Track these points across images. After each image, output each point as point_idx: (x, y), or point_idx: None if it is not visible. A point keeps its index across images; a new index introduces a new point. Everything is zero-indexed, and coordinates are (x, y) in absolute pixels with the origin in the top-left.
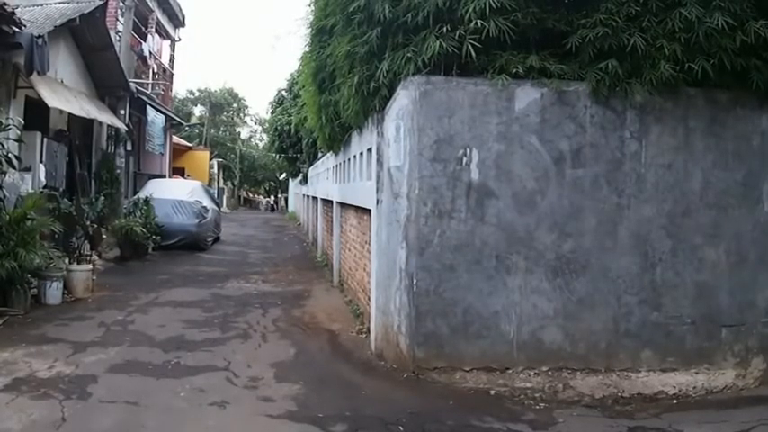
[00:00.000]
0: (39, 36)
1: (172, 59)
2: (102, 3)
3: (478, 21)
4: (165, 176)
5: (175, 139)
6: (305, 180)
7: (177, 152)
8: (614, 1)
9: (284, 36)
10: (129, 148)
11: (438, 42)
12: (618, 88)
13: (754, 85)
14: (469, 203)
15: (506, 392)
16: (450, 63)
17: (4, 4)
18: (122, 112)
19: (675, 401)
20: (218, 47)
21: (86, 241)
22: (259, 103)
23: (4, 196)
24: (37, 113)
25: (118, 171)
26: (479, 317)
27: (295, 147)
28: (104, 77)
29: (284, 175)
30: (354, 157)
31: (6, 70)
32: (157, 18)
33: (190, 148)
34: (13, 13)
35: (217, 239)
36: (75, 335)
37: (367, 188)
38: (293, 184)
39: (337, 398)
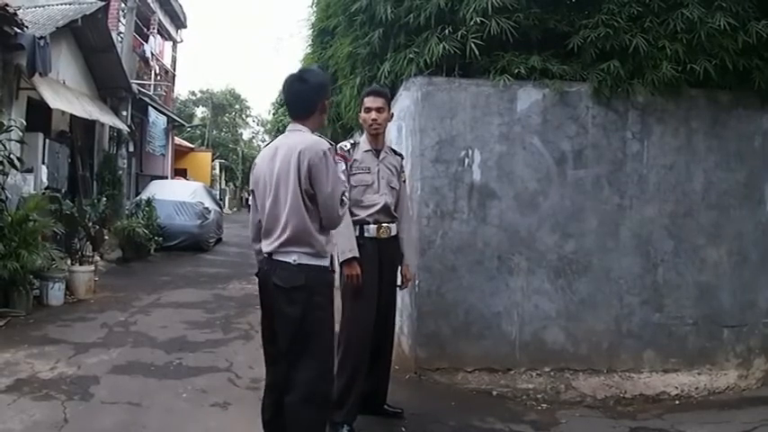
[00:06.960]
0: (41, 37)
1: (174, 60)
2: (103, 4)
3: (480, 19)
4: (167, 178)
5: (177, 140)
6: None
7: (179, 153)
8: (616, 1)
9: (286, 38)
10: (131, 149)
11: (441, 45)
12: (620, 89)
13: (756, 86)
14: (471, 204)
15: (508, 393)
16: (452, 64)
17: (6, 5)
18: (124, 113)
19: (677, 402)
20: (221, 48)
21: (88, 242)
22: (261, 104)
23: (7, 197)
24: (39, 114)
25: (120, 172)
26: (481, 317)
27: None
28: (106, 78)
29: None
30: None
31: (8, 71)
32: (159, 19)
33: (192, 150)
34: (15, 14)
35: (219, 240)
36: (78, 336)
37: None
38: None
39: None
